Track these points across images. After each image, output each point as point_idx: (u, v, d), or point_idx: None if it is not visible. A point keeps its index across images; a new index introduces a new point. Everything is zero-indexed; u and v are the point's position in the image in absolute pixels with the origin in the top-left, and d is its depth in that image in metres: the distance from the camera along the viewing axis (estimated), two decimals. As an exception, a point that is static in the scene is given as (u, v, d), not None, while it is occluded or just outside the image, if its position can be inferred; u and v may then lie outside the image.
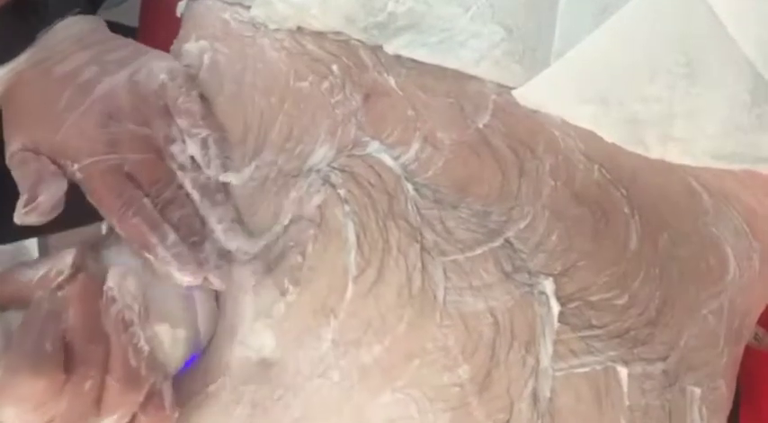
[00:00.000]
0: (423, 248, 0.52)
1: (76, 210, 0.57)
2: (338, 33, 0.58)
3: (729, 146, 0.56)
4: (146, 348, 0.51)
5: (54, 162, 0.55)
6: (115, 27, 0.62)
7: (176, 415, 0.52)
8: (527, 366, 0.51)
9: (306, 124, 0.57)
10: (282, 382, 0.52)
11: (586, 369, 0.51)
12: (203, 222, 0.56)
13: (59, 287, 0.50)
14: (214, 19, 0.61)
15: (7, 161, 0.57)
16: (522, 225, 0.53)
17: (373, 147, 0.55)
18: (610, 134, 0.56)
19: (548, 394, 0.51)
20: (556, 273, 0.52)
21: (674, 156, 0.57)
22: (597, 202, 0.55)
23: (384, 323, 0.51)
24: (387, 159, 0.54)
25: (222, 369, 0.55)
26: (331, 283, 0.52)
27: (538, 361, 0.51)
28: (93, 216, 0.56)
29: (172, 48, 0.63)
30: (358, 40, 0.58)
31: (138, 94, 0.57)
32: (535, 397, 0.51)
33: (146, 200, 0.54)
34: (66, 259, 0.50)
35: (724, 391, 0.58)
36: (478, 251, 0.52)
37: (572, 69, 0.56)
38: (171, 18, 0.65)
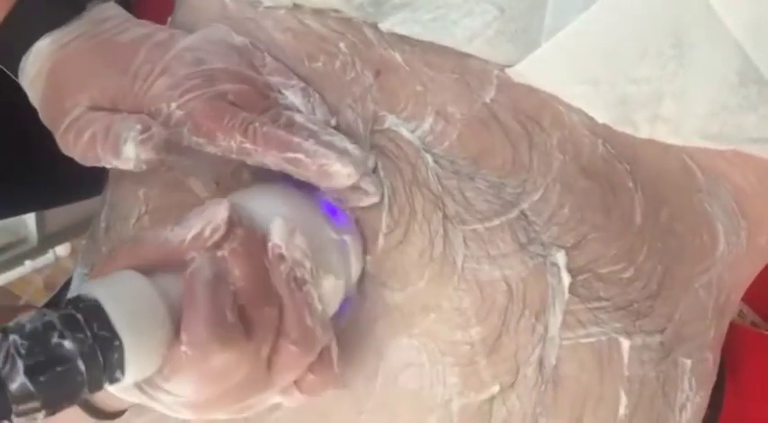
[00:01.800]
0: (445, 216, 0.53)
1: (73, 184, 0.55)
2: (337, 11, 0.58)
3: (717, 126, 0.58)
4: (320, 307, 0.47)
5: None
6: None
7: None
8: (536, 334, 0.52)
9: (330, 101, 0.57)
10: None
11: (592, 339, 0.53)
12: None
13: (217, 246, 0.45)
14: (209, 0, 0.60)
15: (64, 130, 0.53)
16: (535, 197, 0.54)
17: (391, 121, 0.56)
18: (601, 114, 0.57)
19: (553, 362, 0.52)
20: (568, 246, 0.53)
21: (663, 135, 0.58)
22: (604, 176, 0.56)
23: (407, 276, 0.53)
24: (404, 132, 0.55)
25: None
26: (365, 234, 0.54)
27: (546, 329, 0.52)
28: (89, 191, 0.53)
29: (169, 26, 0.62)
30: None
31: (221, 44, 0.55)
32: (541, 364, 0.52)
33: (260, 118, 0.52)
34: (221, 213, 0.45)
35: (711, 364, 0.60)
36: (496, 222, 0.53)
37: (563, 50, 0.57)
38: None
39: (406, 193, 0.54)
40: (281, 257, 0.46)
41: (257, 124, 0.51)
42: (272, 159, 0.51)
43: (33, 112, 0.56)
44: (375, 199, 0.53)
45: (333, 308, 0.51)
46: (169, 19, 0.63)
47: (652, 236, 0.56)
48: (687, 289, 0.57)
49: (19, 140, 0.57)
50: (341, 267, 0.50)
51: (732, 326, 0.63)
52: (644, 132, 0.58)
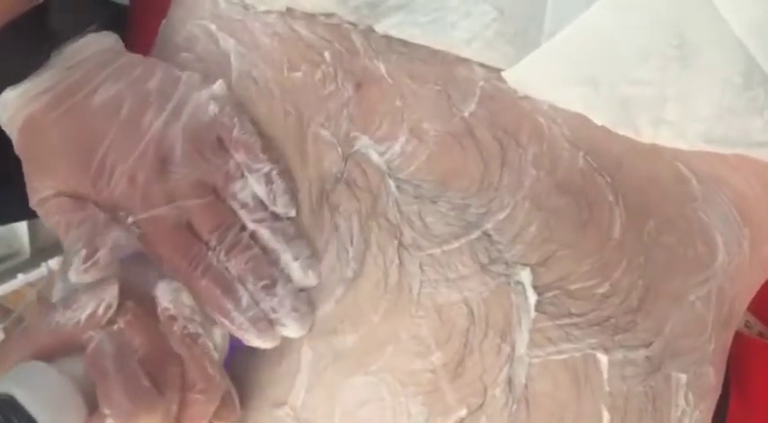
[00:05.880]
0: (401, 245, 0.53)
1: None
2: (329, 16, 0.58)
3: (721, 129, 0.56)
4: (216, 355, 0.50)
5: (102, 209, 0.52)
6: (107, 5, 0.60)
7: None
8: (502, 354, 0.51)
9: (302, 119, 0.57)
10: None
11: (564, 356, 0.52)
12: (273, 262, 0.53)
13: (111, 321, 0.48)
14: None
15: (35, 205, 0.53)
16: (501, 216, 0.53)
17: (362, 143, 0.55)
18: (600, 117, 0.56)
19: (523, 381, 0.52)
20: (533, 263, 0.53)
21: (667, 139, 0.56)
22: (581, 191, 0.55)
23: (361, 314, 0.52)
24: (373, 156, 0.55)
25: None
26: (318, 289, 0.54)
27: (513, 349, 0.52)
28: None
29: (161, 30, 0.63)
30: (349, 23, 0.58)
31: (189, 133, 0.53)
32: (510, 383, 0.52)
33: (211, 254, 0.52)
34: (112, 291, 0.48)
35: (712, 378, 0.58)
36: (455, 244, 0.53)
37: (562, 50, 0.55)
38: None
39: (360, 226, 0.53)
40: (173, 318, 0.49)
41: (199, 273, 0.51)
42: (206, 308, 0.52)
43: None
44: (299, 334, 0.53)
45: (224, 354, 0.53)
46: (163, 22, 0.63)
47: (633, 250, 0.55)
48: (679, 302, 0.56)
49: (7, 146, 0.57)
50: None
51: (738, 336, 0.61)
52: (647, 136, 0.56)
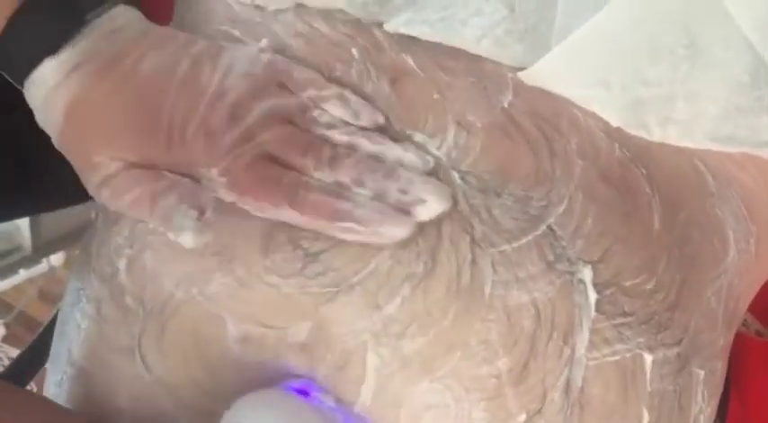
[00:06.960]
0: (473, 240, 0.49)
1: (67, 189, 0.51)
2: (343, 12, 0.56)
3: (728, 128, 0.56)
4: None
5: (176, 173, 0.50)
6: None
7: None
8: (563, 357, 0.49)
9: None
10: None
11: (617, 357, 0.50)
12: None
13: None
14: (214, 2, 0.57)
15: (98, 184, 0.50)
16: (560, 209, 0.51)
17: (418, 138, 0.52)
18: (614, 118, 0.56)
19: (580, 384, 0.50)
20: (594, 260, 0.51)
21: (674, 138, 0.56)
22: (623, 182, 0.54)
23: (430, 317, 0.48)
24: (432, 150, 0.52)
25: None
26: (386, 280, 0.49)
27: (573, 351, 0.49)
28: (83, 196, 0.50)
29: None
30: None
31: (249, 79, 0.51)
32: (568, 387, 0.49)
33: (305, 177, 0.49)
34: None
35: (720, 374, 0.58)
36: (524, 240, 0.50)
37: (576, 52, 0.55)
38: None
39: (432, 219, 0.50)
40: None
41: (302, 192, 0.49)
42: (321, 227, 0.49)
43: (26, 112, 0.52)
44: (442, 207, 0.50)
45: None
46: (170, 23, 0.59)
47: (670, 243, 0.54)
48: (701, 297, 0.55)
49: (10, 141, 0.54)
50: None
51: (737, 335, 0.62)
52: (656, 135, 0.56)
